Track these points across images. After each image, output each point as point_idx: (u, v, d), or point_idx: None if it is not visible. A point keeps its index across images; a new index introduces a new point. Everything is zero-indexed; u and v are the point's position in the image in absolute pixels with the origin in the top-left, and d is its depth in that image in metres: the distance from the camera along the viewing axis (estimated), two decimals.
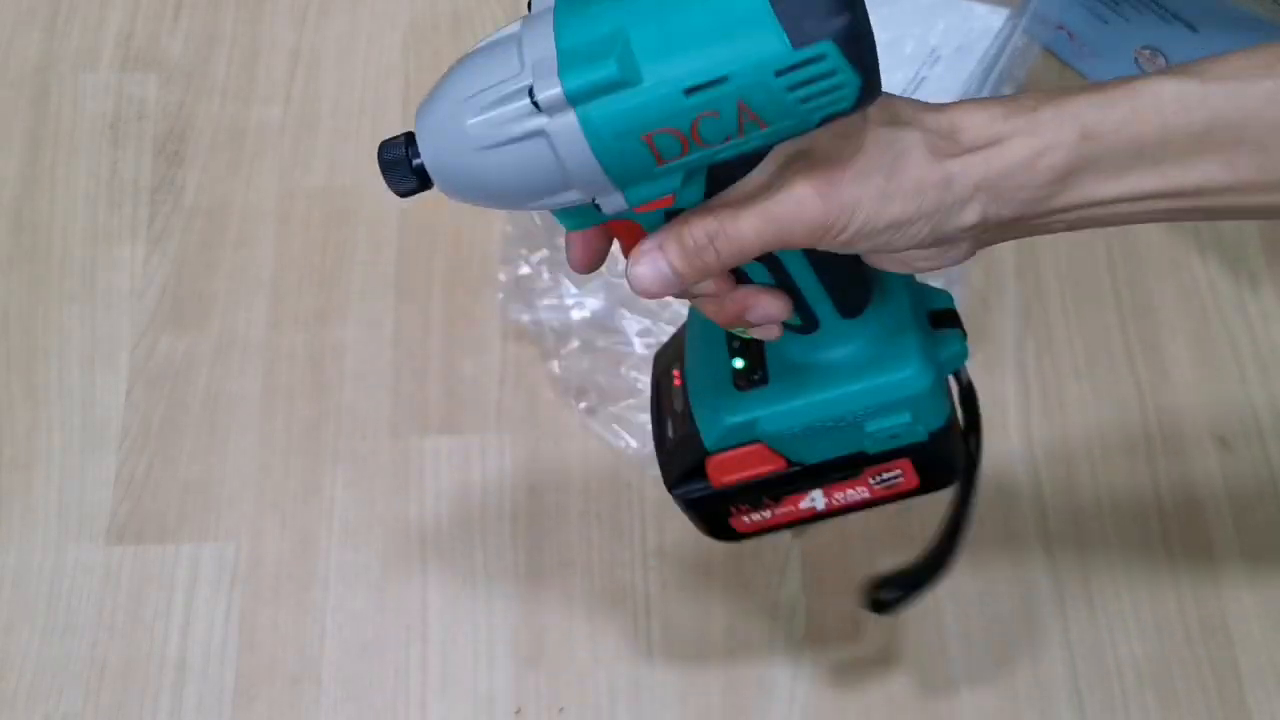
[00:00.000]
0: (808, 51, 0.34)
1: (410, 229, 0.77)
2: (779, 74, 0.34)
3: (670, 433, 0.49)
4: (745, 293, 0.43)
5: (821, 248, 0.40)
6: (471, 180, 0.38)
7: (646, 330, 0.71)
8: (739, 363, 0.47)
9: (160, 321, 0.74)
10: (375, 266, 0.76)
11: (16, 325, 0.74)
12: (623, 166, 0.36)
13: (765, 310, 0.43)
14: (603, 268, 0.44)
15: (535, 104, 0.35)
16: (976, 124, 0.39)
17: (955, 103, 0.41)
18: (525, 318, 0.73)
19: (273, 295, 0.75)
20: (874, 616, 0.67)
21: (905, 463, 0.47)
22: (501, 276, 0.74)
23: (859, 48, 0.34)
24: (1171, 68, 0.41)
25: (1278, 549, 0.70)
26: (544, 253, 0.73)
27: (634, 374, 0.72)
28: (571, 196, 0.37)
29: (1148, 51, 0.78)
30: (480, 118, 0.36)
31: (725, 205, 0.39)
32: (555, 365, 0.72)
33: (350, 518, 0.70)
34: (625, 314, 0.72)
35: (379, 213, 0.78)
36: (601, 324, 0.72)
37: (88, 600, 0.67)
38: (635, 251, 0.40)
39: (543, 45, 0.36)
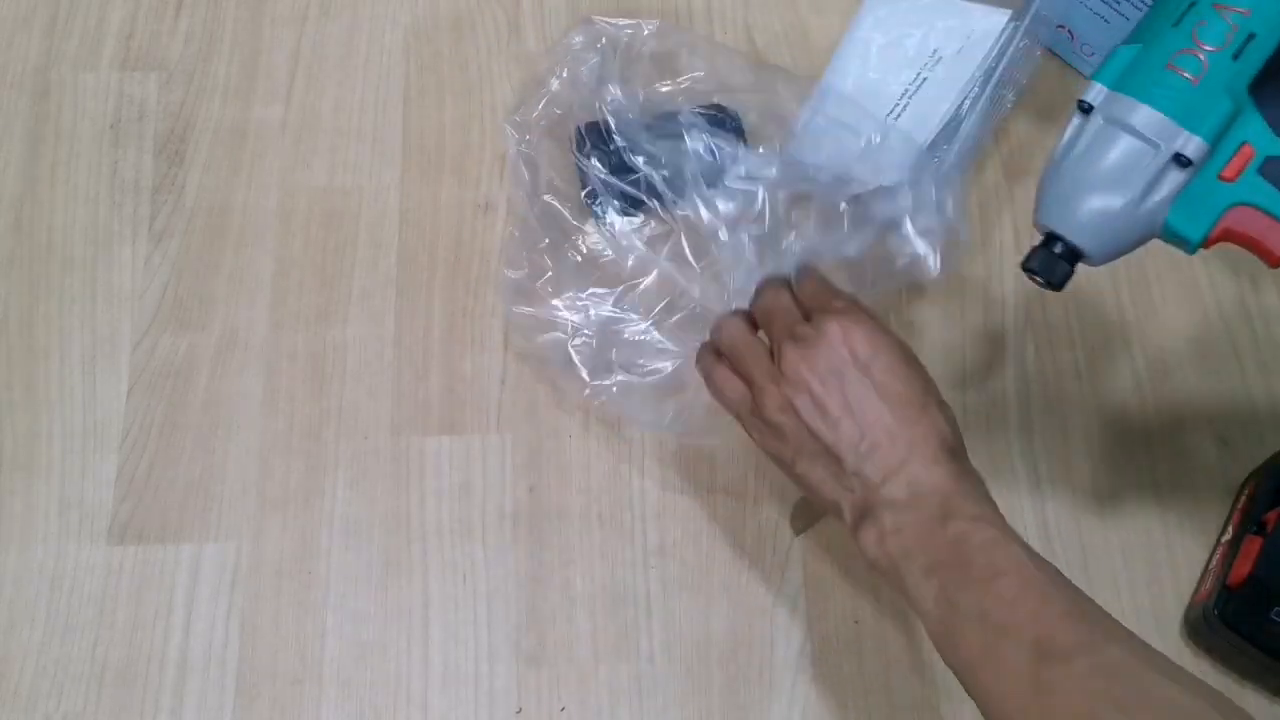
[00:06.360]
0: None
1: (410, 229, 0.77)
2: None
3: None
4: None
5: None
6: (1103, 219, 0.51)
7: (646, 330, 0.71)
8: None
9: (161, 321, 0.74)
10: (375, 266, 0.76)
11: (16, 325, 0.74)
12: (1170, 100, 0.48)
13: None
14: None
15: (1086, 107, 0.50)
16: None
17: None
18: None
19: (273, 295, 0.75)
20: (873, 615, 0.67)
21: None
22: (504, 275, 0.74)
23: None
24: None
25: None
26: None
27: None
28: (1161, 159, 0.48)
29: None
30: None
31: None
32: (556, 364, 0.72)
33: (350, 518, 0.70)
34: (625, 314, 0.72)
35: (379, 213, 0.78)
36: (603, 324, 0.72)
37: (88, 600, 0.68)
38: None
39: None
